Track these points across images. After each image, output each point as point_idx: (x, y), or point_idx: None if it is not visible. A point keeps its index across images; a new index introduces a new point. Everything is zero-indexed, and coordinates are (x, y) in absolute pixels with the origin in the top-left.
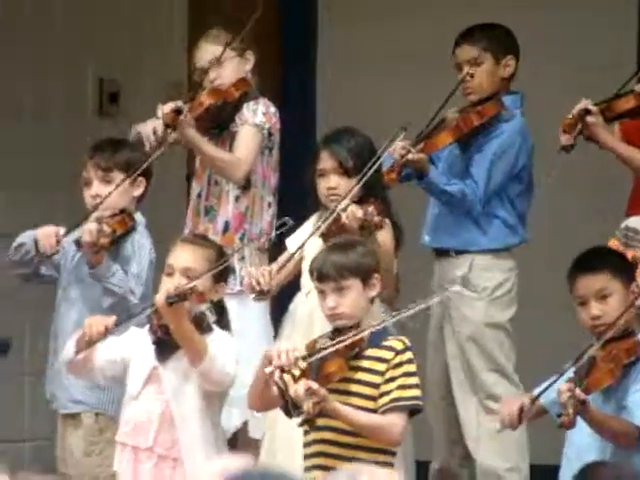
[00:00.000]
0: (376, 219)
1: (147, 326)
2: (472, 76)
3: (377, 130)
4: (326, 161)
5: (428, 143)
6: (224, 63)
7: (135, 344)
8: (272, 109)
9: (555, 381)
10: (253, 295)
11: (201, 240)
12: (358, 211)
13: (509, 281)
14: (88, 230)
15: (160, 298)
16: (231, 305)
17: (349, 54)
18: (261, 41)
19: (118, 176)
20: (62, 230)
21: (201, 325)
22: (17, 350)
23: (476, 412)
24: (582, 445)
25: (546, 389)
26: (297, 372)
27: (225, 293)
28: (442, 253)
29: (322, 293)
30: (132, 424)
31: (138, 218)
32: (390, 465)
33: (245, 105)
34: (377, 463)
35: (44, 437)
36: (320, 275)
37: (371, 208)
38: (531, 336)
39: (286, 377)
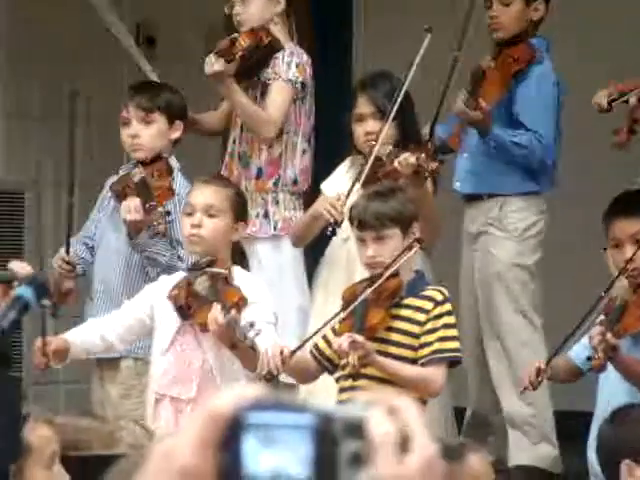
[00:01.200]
0: (432, 165)
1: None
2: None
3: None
4: (364, 106)
5: (482, 97)
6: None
7: (161, 296)
8: (305, 58)
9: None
10: (329, 226)
11: (219, 180)
12: (411, 157)
13: (538, 224)
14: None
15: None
16: (265, 249)
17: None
18: None
19: (159, 117)
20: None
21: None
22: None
23: (498, 358)
24: (612, 391)
25: (557, 352)
26: (336, 325)
27: (259, 236)
28: (473, 198)
29: (362, 241)
30: (171, 375)
31: (173, 163)
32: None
33: (280, 55)
34: None
35: (79, 380)
36: (361, 223)
37: (423, 155)
38: (558, 282)
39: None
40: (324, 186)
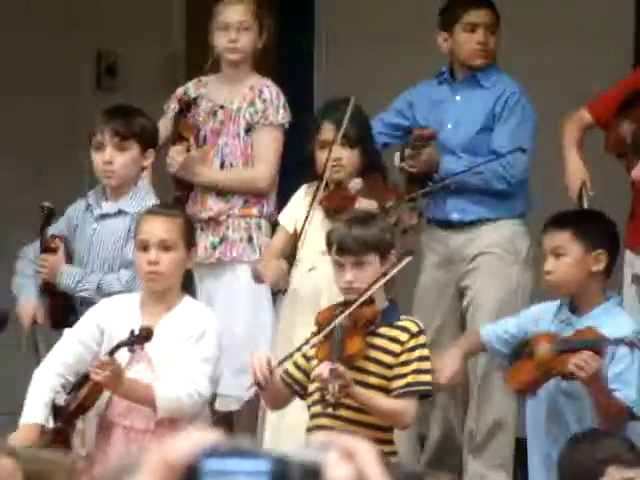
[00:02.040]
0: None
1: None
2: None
3: (373, 101)
4: (328, 132)
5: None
6: (249, 29)
7: (113, 317)
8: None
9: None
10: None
11: (167, 209)
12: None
13: (529, 246)
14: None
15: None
16: (248, 274)
17: (347, 27)
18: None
19: (133, 145)
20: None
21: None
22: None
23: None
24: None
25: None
26: (311, 351)
27: (244, 260)
28: (468, 224)
29: (340, 266)
30: (125, 403)
31: (143, 185)
32: (390, 442)
33: (268, 97)
34: (377, 440)
35: None
36: (341, 248)
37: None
38: None
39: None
40: (281, 218)
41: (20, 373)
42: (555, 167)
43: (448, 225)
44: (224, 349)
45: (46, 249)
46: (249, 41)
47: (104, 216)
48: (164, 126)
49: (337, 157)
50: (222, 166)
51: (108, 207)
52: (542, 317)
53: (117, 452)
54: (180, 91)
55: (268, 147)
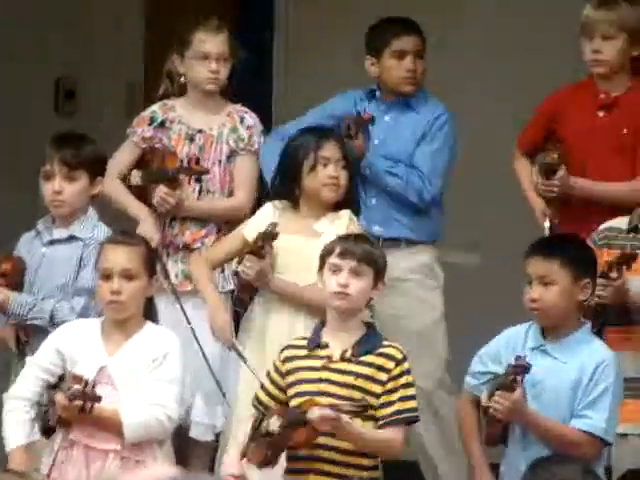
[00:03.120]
0: None
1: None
2: None
3: None
4: (332, 151)
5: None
6: (227, 60)
7: (73, 341)
8: None
9: None
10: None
11: (128, 238)
12: None
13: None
14: None
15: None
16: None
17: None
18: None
19: (82, 174)
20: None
21: None
22: None
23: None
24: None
25: None
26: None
27: (222, 292)
28: (392, 243)
29: (336, 271)
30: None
31: (91, 213)
32: (373, 468)
33: (253, 123)
34: (358, 466)
35: None
36: (345, 251)
37: None
38: None
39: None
40: (246, 231)
41: None
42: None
43: None
44: (195, 375)
45: None
46: (227, 72)
47: (54, 242)
48: (129, 150)
49: (334, 175)
50: (200, 192)
51: (58, 233)
52: (513, 343)
53: (77, 472)
54: (146, 115)
55: (250, 175)
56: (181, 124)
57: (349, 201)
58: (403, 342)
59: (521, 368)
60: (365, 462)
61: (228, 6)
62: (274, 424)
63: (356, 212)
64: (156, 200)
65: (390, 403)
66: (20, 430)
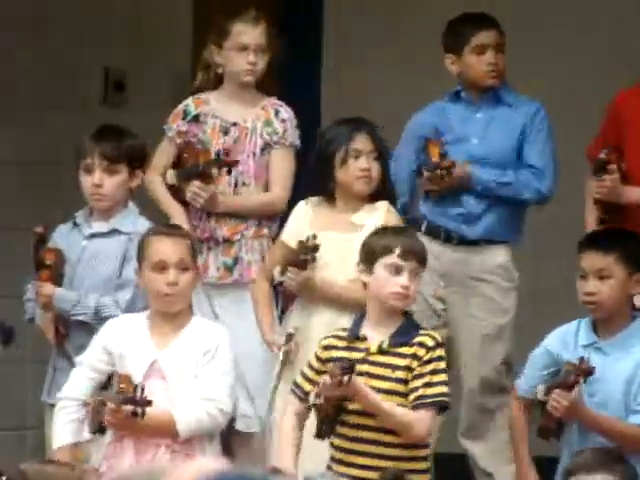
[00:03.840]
0: None
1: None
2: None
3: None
4: (363, 143)
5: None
6: (265, 52)
7: (120, 337)
8: None
9: None
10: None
11: (175, 230)
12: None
13: None
14: None
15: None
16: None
17: (353, 42)
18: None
19: (122, 167)
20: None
21: None
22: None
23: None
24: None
25: None
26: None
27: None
28: (472, 243)
29: (397, 272)
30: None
31: (132, 207)
32: (421, 459)
33: (287, 117)
34: (403, 458)
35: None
36: (406, 252)
37: None
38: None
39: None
40: (285, 237)
41: (29, 389)
42: None
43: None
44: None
45: (39, 266)
46: (265, 63)
47: (95, 235)
48: (167, 146)
49: (366, 167)
50: (235, 185)
51: (100, 226)
52: (567, 341)
53: (127, 465)
54: (179, 110)
55: (285, 169)
56: (215, 117)
57: (385, 192)
58: (471, 343)
59: (584, 371)
60: (406, 453)
61: (273, 4)
62: (313, 397)
63: (392, 202)
64: (189, 195)
65: (415, 389)
66: (67, 429)
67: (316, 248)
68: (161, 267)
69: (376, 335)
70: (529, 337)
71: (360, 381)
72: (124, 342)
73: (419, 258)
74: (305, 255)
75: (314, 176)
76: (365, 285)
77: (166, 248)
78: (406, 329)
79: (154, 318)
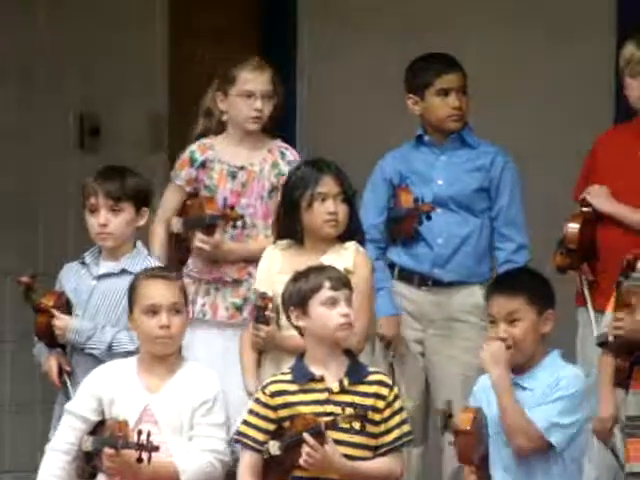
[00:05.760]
0: None
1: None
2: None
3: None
4: (330, 186)
5: None
6: (271, 98)
7: (109, 383)
8: None
9: None
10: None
11: (166, 272)
12: None
13: None
14: None
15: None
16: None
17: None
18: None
19: (127, 206)
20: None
21: None
22: None
23: None
24: None
25: None
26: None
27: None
28: (447, 285)
29: (333, 304)
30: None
31: (140, 247)
32: None
33: (293, 162)
34: None
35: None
36: (337, 282)
37: None
38: None
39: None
40: (257, 286)
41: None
42: None
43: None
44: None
45: (37, 312)
46: (270, 110)
47: (105, 275)
48: (173, 194)
49: (332, 211)
50: (244, 227)
51: (109, 267)
52: (487, 384)
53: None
54: (185, 157)
55: None
56: (221, 163)
57: (353, 232)
58: (448, 383)
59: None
60: None
61: (252, 29)
62: (274, 447)
63: (361, 242)
64: (194, 246)
65: (389, 431)
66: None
67: (266, 306)
68: (153, 310)
69: (328, 375)
70: None
71: (333, 449)
72: (113, 387)
73: (346, 283)
74: (262, 313)
75: (281, 220)
76: (301, 330)
77: (156, 291)
78: (356, 367)
79: (145, 362)
